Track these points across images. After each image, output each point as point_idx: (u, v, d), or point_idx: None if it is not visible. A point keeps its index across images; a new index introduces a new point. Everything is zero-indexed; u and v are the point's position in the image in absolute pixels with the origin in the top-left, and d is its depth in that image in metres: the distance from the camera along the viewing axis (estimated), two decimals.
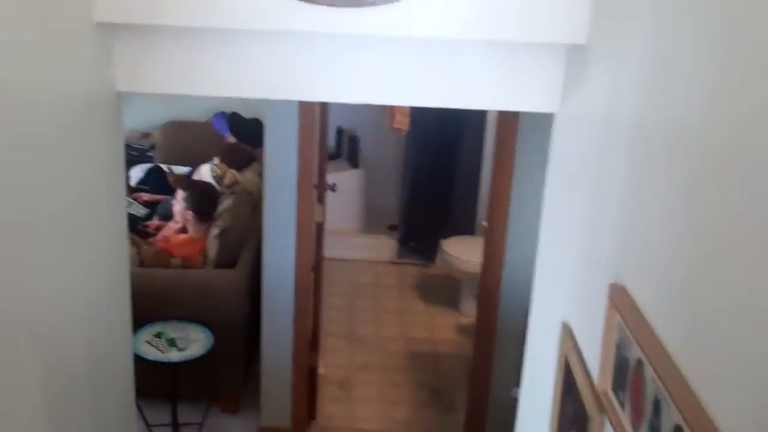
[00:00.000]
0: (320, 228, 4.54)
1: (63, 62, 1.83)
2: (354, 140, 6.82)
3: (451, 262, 5.90)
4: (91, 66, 1.97)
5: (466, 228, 6.40)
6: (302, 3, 1.88)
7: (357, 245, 6.70)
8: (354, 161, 6.85)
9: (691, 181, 1.30)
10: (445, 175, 6.48)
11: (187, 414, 4.54)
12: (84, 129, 1.98)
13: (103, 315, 2.21)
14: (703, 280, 1.24)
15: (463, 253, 5.80)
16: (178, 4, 1.89)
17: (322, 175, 4.42)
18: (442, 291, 6.27)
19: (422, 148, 6.38)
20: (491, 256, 4.16)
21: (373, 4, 1.89)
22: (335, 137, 6.86)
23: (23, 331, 1.66)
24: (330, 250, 6.43)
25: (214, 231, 4.60)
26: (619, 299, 1.59)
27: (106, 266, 2.22)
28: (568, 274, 2.02)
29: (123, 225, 2.39)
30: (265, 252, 4.24)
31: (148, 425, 4.34)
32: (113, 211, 2.24)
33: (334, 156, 6.80)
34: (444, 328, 5.86)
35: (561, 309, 2.07)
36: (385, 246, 6.72)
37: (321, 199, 4.41)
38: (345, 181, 6.60)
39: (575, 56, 2.04)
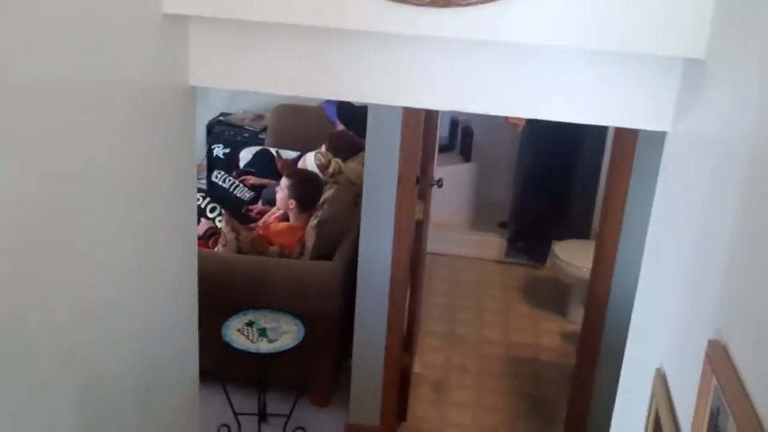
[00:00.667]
0: (420, 225, 4.37)
1: (131, 54, 1.74)
2: (468, 133, 6.61)
3: (561, 266, 5.64)
4: (162, 59, 1.88)
5: (581, 231, 6.11)
6: (389, 2, 1.71)
7: (464, 241, 6.50)
8: (467, 154, 6.64)
9: None
10: (561, 173, 6.19)
11: (275, 404, 4.49)
12: (154, 124, 1.89)
13: (164, 325, 2.11)
14: None
15: (575, 257, 5.52)
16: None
17: (425, 170, 4.25)
18: (550, 295, 6.01)
19: (538, 145, 6.11)
20: (601, 264, 3.92)
21: (466, 4, 1.71)
22: (449, 129, 6.66)
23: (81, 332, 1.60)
24: (435, 244, 6.27)
25: (313, 221, 4.50)
26: (718, 360, 1.37)
27: (171, 271, 2.12)
28: (668, 314, 1.79)
29: (192, 226, 2.31)
30: (361, 246, 4.12)
31: (235, 413, 4.31)
32: (183, 210, 2.16)
33: (447, 148, 6.62)
34: (549, 334, 5.61)
35: (657, 352, 1.84)
36: (493, 244, 6.50)
37: (423, 195, 4.24)
38: (456, 174, 6.42)
39: (692, 71, 1.80)
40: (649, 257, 2.07)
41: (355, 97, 1.98)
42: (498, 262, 6.48)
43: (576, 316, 5.50)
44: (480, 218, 6.72)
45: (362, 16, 1.73)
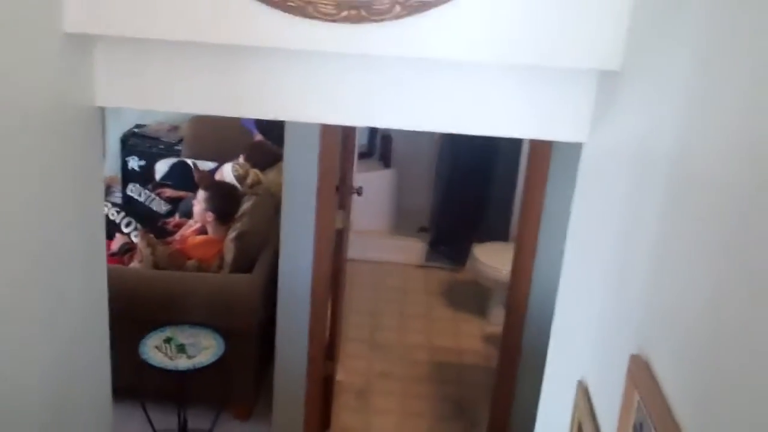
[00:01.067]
0: (341, 234, 4.34)
1: (28, 73, 1.66)
2: (387, 139, 6.61)
3: (480, 268, 5.68)
4: (64, 78, 1.80)
5: (500, 234, 6.17)
6: (298, 18, 1.67)
7: (386, 247, 6.50)
8: (386, 161, 6.64)
9: (743, 237, 1.07)
10: (479, 177, 6.24)
11: (197, 419, 4.41)
12: (56, 143, 1.81)
13: (71, 348, 2.03)
14: (746, 368, 1.02)
15: (494, 260, 5.57)
16: (155, 17, 1.70)
17: (345, 179, 4.23)
18: (471, 297, 6.05)
19: (457, 150, 6.15)
20: (520, 267, 3.96)
21: (380, 19, 1.68)
22: (368, 136, 6.65)
23: None
24: (357, 251, 6.25)
25: (232, 234, 4.43)
26: (640, 375, 1.37)
27: (77, 293, 2.04)
28: (589, 326, 1.80)
29: (100, 245, 2.23)
30: (282, 257, 4.07)
31: (155, 431, 4.21)
32: (89, 230, 2.08)
33: (366, 155, 6.61)
34: (470, 337, 5.65)
35: (579, 364, 1.85)
36: (414, 249, 6.51)
37: (343, 205, 4.21)
38: (376, 181, 6.42)
39: (608, 83, 1.81)
40: (568, 267, 2.08)
41: (265, 114, 1.93)
42: (419, 266, 6.50)
43: (497, 318, 5.55)
44: (401, 224, 6.73)
45: (272, 33, 1.69)
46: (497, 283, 5.52)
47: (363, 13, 1.66)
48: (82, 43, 1.82)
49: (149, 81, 1.91)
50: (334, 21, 1.68)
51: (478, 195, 6.27)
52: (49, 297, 1.87)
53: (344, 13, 1.66)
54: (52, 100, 1.77)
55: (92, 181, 2.06)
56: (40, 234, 1.81)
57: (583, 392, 1.77)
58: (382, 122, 1.95)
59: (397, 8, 1.66)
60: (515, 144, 5.91)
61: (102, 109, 1.98)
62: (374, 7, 1.66)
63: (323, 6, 1.66)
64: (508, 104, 1.92)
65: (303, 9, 1.67)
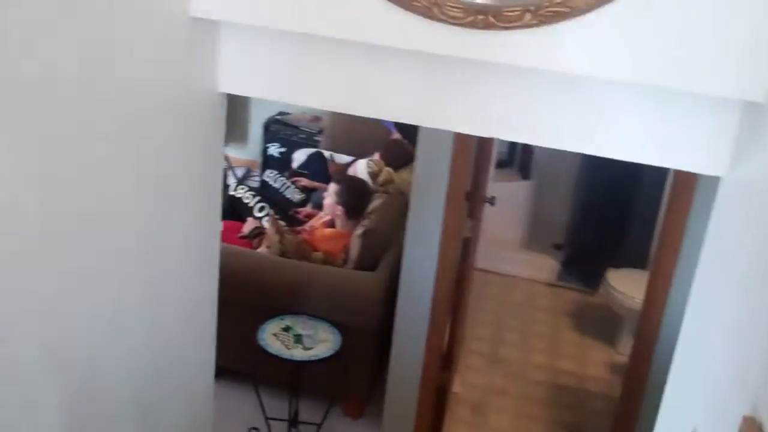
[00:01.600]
0: (468, 243, 4.25)
1: (154, 55, 1.68)
2: (527, 149, 6.44)
3: (613, 295, 5.45)
4: (189, 63, 1.80)
5: (638, 260, 5.89)
6: (423, 20, 1.60)
7: (516, 261, 6.34)
8: (525, 172, 6.48)
9: None
10: (622, 198, 5.99)
11: (307, 411, 4.42)
12: (177, 128, 1.82)
13: (175, 335, 2.04)
14: None
15: (628, 287, 5.33)
16: (279, 7, 1.68)
17: (476, 186, 4.13)
18: (600, 323, 5.82)
19: (600, 167, 5.91)
20: (653, 298, 3.77)
21: (509, 27, 1.59)
22: (508, 144, 6.51)
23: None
24: (486, 261, 6.14)
25: (359, 230, 4.42)
26: None
27: (187, 280, 2.05)
28: (707, 374, 1.65)
29: (215, 235, 2.23)
30: (405, 259, 4.02)
31: (266, 417, 4.25)
32: (205, 219, 2.09)
33: (505, 164, 6.47)
34: (596, 364, 5.43)
35: (694, 411, 1.71)
36: (546, 265, 6.33)
37: (472, 213, 4.12)
38: (512, 192, 6.28)
39: (751, 115, 1.65)
40: (692, 309, 1.93)
41: (384, 115, 1.88)
42: (549, 284, 6.31)
43: (626, 348, 5.31)
44: (535, 238, 6.55)
45: (395, 32, 1.64)
46: (630, 311, 5.28)
47: (491, 19, 1.58)
48: (208, 29, 1.83)
49: (272, 71, 1.89)
50: (460, 25, 1.60)
51: (618, 216, 6.02)
52: (160, 275, 1.89)
53: (471, 18, 1.59)
54: (177, 83, 1.78)
55: (212, 165, 2.08)
56: (157, 215, 1.83)
57: None
58: (502, 134, 1.86)
59: (528, 16, 1.56)
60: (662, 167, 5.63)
61: (224, 97, 1.98)
62: (504, 13, 1.57)
63: (450, 9, 1.59)
64: (641, 128, 1.79)
65: (428, 10, 1.60)
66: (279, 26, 1.71)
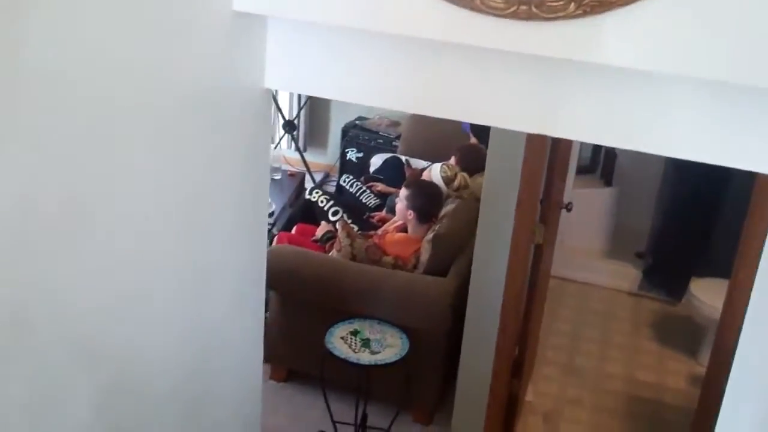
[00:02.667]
0: (541, 250, 4.16)
1: (196, 49, 1.69)
2: (610, 155, 6.29)
3: (696, 305, 5.28)
4: (234, 57, 1.81)
5: (724, 270, 5.65)
6: (465, 11, 1.56)
7: (597, 269, 6.19)
8: (608, 178, 6.32)
9: None
10: (707, 205, 5.77)
11: (376, 416, 4.40)
12: (222, 122, 1.83)
13: (219, 329, 2.04)
14: None
15: (712, 297, 5.14)
16: (325, 2, 1.65)
17: (550, 192, 4.04)
18: (682, 334, 5.63)
19: (685, 173, 5.72)
20: (732, 307, 3.62)
21: (553, 17, 1.54)
22: (591, 150, 6.36)
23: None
24: (566, 269, 6.03)
25: (430, 235, 4.38)
26: None
27: (231, 274, 2.05)
28: (759, 384, 1.56)
29: (262, 229, 2.23)
30: (475, 265, 3.97)
31: (333, 421, 4.25)
32: (252, 213, 2.09)
33: (587, 170, 6.32)
34: (676, 376, 5.26)
35: (745, 426, 1.61)
36: (627, 274, 6.15)
37: (545, 219, 4.03)
38: (594, 199, 6.15)
39: None
40: (751, 316, 1.83)
41: (431, 112, 1.84)
42: (630, 294, 6.14)
43: (708, 360, 5.12)
44: (616, 246, 6.39)
45: (437, 25, 1.60)
46: (713, 322, 5.08)
47: (534, 9, 1.53)
48: (254, 24, 1.83)
49: (317, 67, 1.88)
50: (502, 16, 1.56)
51: (704, 224, 5.81)
52: (202, 268, 1.90)
53: (513, 9, 1.54)
54: (221, 77, 1.79)
55: (258, 159, 2.07)
56: (202, 209, 1.84)
57: None
58: (548, 130, 1.80)
59: (572, 6, 1.51)
60: (750, 173, 5.41)
61: (269, 92, 1.98)
62: (547, 4, 1.52)
63: (492, 0, 1.54)
64: (701, 125, 1.71)
65: (470, 1, 1.56)
66: (322, 20, 1.70)
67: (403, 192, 4.64)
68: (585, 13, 1.52)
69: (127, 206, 1.59)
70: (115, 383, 1.63)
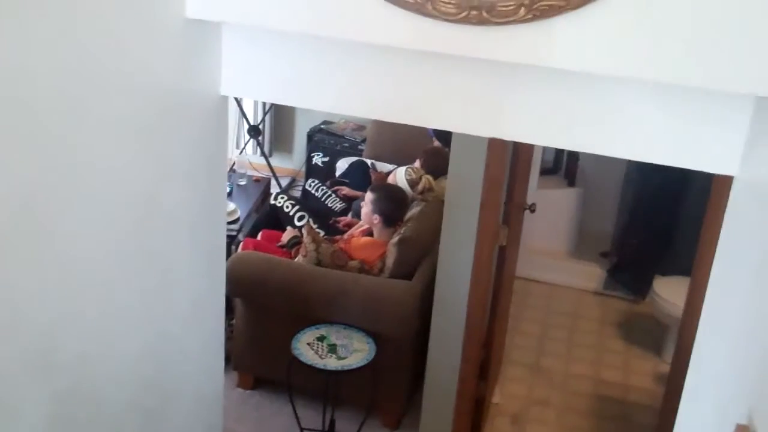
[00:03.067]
0: (504, 251, 4.18)
1: (150, 57, 1.67)
2: (573, 156, 6.33)
3: (659, 303, 5.32)
4: (188, 65, 1.81)
5: (687, 268, 5.71)
6: (417, 16, 1.57)
7: (562, 269, 6.23)
8: (571, 179, 6.37)
9: None
10: (670, 204, 5.84)
11: (344, 422, 4.40)
12: (177, 128, 1.82)
13: (178, 338, 2.03)
14: None
15: (675, 296, 5.18)
16: (274, 7, 1.65)
17: (513, 193, 4.06)
18: (648, 333, 5.68)
19: (647, 173, 5.78)
20: (694, 304, 3.66)
21: (504, 22, 1.55)
22: (555, 152, 6.40)
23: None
24: (531, 270, 6.06)
25: (395, 238, 4.38)
26: None
27: (189, 281, 2.04)
28: (713, 380, 1.58)
29: (220, 236, 2.23)
30: (439, 267, 3.98)
31: (300, 428, 4.24)
32: (208, 219, 2.08)
33: (551, 171, 6.36)
34: (641, 374, 5.30)
35: (701, 423, 1.63)
36: (592, 274, 6.20)
37: (508, 221, 4.05)
38: (558, 199, 6.19)
39: (765, 111, 1.58)
40: (706, 313, 1.85)
41: (384, 116, 1.85)
42: (596, 293, 6.18)
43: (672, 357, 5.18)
44: (581, 247, 6.44)
45: (389, 30, 1.61)
46: (675, 320, 5.13)
47: (485, 14, 1.54)
48: (208, 31, 1.83)
49: (272, 74, 1.88)
50: (453, 21, 1.56)
51: (666, 223, 5.87)
52: (160, 279, 1.89)
53: (464, 14, 1.55)
54: (176, 85, 1.78)
55: (215, 166, 2.07)
56: (159, 215, 1.83)
57: None
58: (503, 134, 1.81)
59: (522, 11, 1.52)
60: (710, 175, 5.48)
61: (226, 99, 1.98)
62: (497, 8, 1.53)
63: (443, 5, 1.56)
64: (649, 127, 1.73)
65: (422, 6, 1.57)
66: (274, 26, 1.70)
67: (369, 196, 4.64)
68: (535, 17, 1.53)
69: (82, 213, 1.58)
70: (70, 392, 1.61)
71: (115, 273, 1.72)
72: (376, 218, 4.58)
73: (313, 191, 5.70)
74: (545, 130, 1.77)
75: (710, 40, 1.52)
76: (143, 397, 1.88)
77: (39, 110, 1.40)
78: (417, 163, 5.39)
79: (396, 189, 4.89)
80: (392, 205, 4.61)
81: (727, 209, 1.78)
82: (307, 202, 5.64)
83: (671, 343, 5.31)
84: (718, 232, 3.34)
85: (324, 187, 5.77)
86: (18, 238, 1.42)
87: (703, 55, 1.54)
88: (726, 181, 3.27)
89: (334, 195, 5.66)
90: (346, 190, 5.72)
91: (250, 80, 1.90)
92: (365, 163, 5.96)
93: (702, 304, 3.48)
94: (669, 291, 5.27)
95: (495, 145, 3.62)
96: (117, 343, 1.77)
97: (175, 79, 1.77)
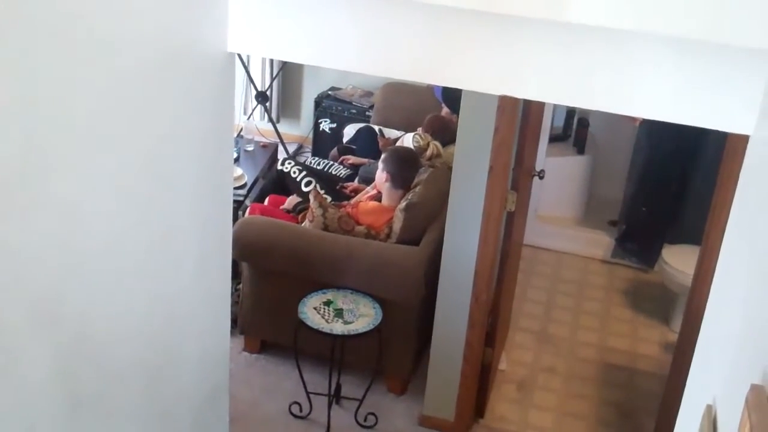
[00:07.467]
0: (512, 217, 4.15)
1: (160, 14, 1.63)
2: (583, 123, 6.28)
3: (668, 272, 5.30)
4: (195, 20, 1.77)
5: (696, 236, 5.68)
6: None
7: (570, 237, 6.20)
8: (581, 146, 6.32)
9: None
10: (679, 173, 5.78)
11: (350, 386, 4.41)
12: (183, 85, 1.79)
13: (182, 298, 2.01)
14: None
15: (683, 263, 5.16)
16: None
17: (521, 159, 4.03)
18: (655, 301, 5.66)
19: (656, 141, 5.72)
20: (704, 272, 3.64)
21: None
22: (564, 118, 6.35)
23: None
24: (539, 238, 6.04)
25: (403, 203, 4.35)
26: (757, 407, 1.15)
27: (194, 238, 2.02)
28: (726, 344, 1.56)
29: (227, 194, 2.20)
30: (447, 234, 3.95)
31: (307, 392, 4.24)
32: (214, 178, 2.06)
33: (561, 138, 6.31)
34: (648, 343, 5.29)
35: (712, 386, 1.61)
36: (600, 242, 6.17)
37: (517, 187, 4.02)
38: (567, 167, 6.15)
39: None
40: (719, 277, 1.83)
41: (394, 73, 1.82)
42: (604, 261, 6.16)
43: (680, 326, 5.16)
44: (590, 215, 6.40)
45: None
46: (684, 288, 5.11)
47: None
48: None
49: (280, 30, 1.84)
50: None
51: (676, 191, 5.82)
52: (166, 236, 1.87)
53: None
54: (182, 41, 1.75)
55: (222, 123, 2.04)
56: (165, 171, 1.81)
57: (710, 419, 1.53)
58: (515, 91, 1.78)
59: None
60: (721, 139, 5.43)
61: (233, 56, 1.94)
62: None
63: None
64: (664, 85, 1.69)
65: None
66: None
67: (382, 156, 4.63)
68: None
69: (88, 165, 1.56)
70: (74, 348, 1.60)
71: (118, 227, 1.70)
72: (386, 176, 4.53)
73: (315, 166, 5.64)
74: (560, 87, 1.73)
75: None
76: (148, 356, 1.87)
77: (41, 61, 1.37)
78: (419, 131, 5.35)
79: (407, 150, 4.86)
80: (402, 165, 4.56)
81: (742, 170, 1.74)
82: (312, 167, 5.60)
83: (679, 311, 5.29)
84: (732, 195, 3.32)
85: (325, 161, 5.73)
86: (22, 190, 1.40)
87: (725, 9, 1.50)
88: (741, 141, 3.24)
89: (337, 165, 5.62)
90: (352, 159, 5.68)
91: (259, 36, 1.87)
92: (373, 130, 5.91)
93: (712, 270, 3.49)
94: (678, 259, 5.24)
95: (504, 108, 3.59)
96: (122, 298, 1.75)
97: (182, 35, 1.73)
